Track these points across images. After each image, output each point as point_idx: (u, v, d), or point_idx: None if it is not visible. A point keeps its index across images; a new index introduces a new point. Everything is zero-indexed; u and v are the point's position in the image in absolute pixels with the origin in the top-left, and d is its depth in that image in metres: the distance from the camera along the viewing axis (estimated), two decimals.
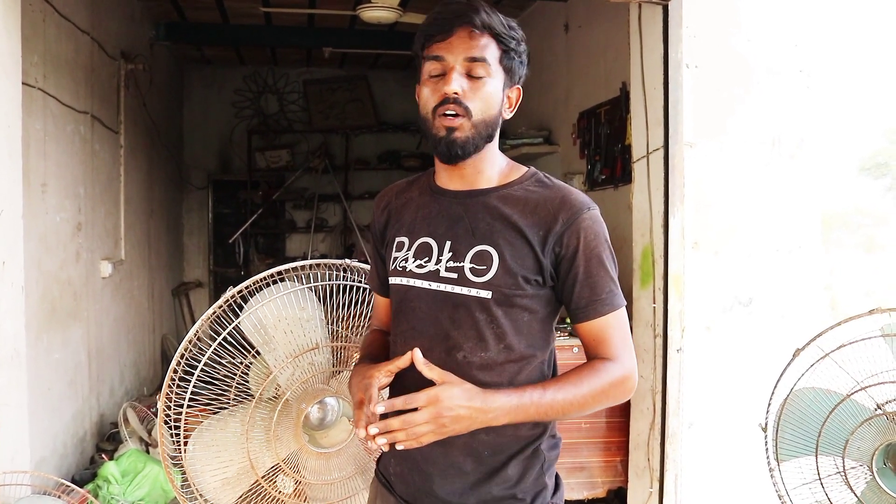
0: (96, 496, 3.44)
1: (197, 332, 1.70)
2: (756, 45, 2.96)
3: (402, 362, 1.47)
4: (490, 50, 1.48)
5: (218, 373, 1.72)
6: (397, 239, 1.62)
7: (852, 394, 1.96)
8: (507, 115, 1.57)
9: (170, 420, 1.74)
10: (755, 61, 2.96)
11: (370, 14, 4.79)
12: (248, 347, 1.71)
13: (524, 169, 1.60)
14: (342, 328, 1.71)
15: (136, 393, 5.34)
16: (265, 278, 1.74)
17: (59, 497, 2.80)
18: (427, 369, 1.41)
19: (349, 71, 7.85)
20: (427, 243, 1.56)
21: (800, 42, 3.01)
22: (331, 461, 1.78)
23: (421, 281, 1.54)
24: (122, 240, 4.97)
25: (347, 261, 1.76)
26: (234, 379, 1.72)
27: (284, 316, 1.67)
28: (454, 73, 1.46)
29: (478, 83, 1.48)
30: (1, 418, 2.74)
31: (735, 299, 2.96)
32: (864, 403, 1.97)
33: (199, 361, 1.70)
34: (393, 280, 1.60)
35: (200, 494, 1.79)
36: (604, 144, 4.46)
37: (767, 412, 2.05)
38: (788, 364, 2.02)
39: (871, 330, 1.98)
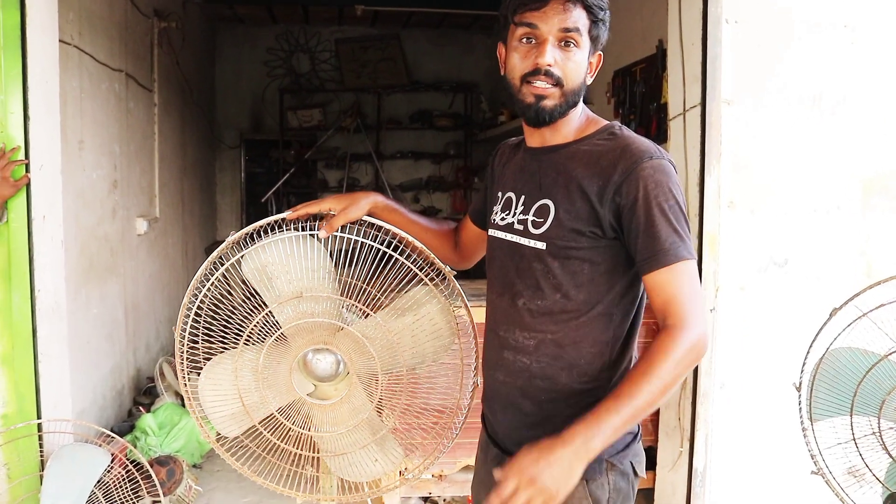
0: (135, 447, 3.53)
1: (207, 273, 1.71)
2: (799, 0, 2.88)
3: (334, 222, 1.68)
4: (581, 20, 1.51)
5: (224, 312, 1.74)
6: (497, 194, 1.72)
7: (890, 354, 1.94)
8: (589, 81, 1.59)
9: (183, 353, 1.79)
10: (797, 16, 2.88)
11: None
12: (253, 290, 1.72)
13: (602, 123, 1.60)
14: (362, 283, 1.71)
15: (172, 349, 5.43)
16: (274, 224, 1.74)
17: (101, 446, 2.87)
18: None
19: (381, 29, 7.79)
20: (510, 197, 1.65)
21: None
22: (333, 413, 1.80)
23: (501, 232, 1.64)
24: (156, 197, 5.03)
25: (367, 217, 1.74)
26: (235, 318, 1.74)
27: (283, 260, 1.69)
28: (548, 45, 1.50)
29: (569, 53, 1.51)
30: (44, 368, 2.82)
31: (770, 259, 2.92)
32: None
33: (212, 301, 1.72)
34: (489, 231, 1.70)
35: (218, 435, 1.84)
36: (639, 103, 4.39)
37: (802, 371, 2.04)
38: (825, 323, 2.00)
39: None
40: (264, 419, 1.83)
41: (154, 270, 5.10)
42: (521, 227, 1.59)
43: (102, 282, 3.99)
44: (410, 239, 1.75)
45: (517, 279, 1.58)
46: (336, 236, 1.73)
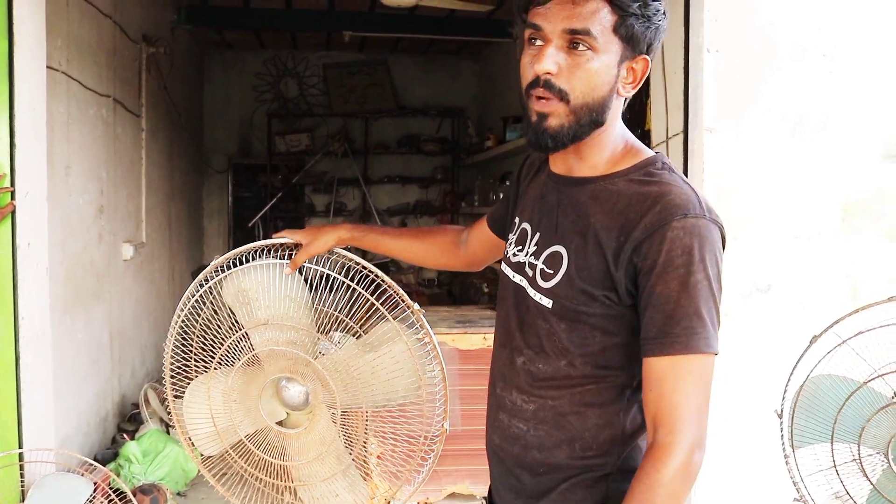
0: (118, 475, 3.50)
1: (191, 296, 1.71)
2: (778, 29, 2.93)
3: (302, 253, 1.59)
4: (598, 18, 1.19)
5: (207, 336, 1.74)
6: (516, 218, 1.47)
7: (869, 381, 1.95)
8: (628, 93, 1.28)
9: (175, 373, 1.78)
10: (777, 46, 2.93)
11: None
12: (232, 315, 1.72)
13: (643, 155, 1.31)
14: (337, 312, 1.69)
15: (157, 374, 5.41)
16: (260, 249, 1.73)
17: (83, 475, 2.85)
18: None
19: (369, 55, 7.85)
20: (525, 230, 1.40)
21: (823, 26, 2.97)
22: (300, 441, 1.79)
23: (511, 271, 1.41)
24: (143, 222, 5.02)
25: (341, 250, 1.68)
26: (211, 341, 1.74)
27: (264, 286, 1.66)
28: (549, 49, 1.20)
29: (579, 59, 1.20)
30: (27, 396, 2.80)
31: (753, 286, 2.94)
32: (881, 391, 1.97)
33: (190, 322, 1.72)
34: (501, 263, 1.48)
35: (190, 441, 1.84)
36: None
37: (783, 399, 2.05)
38: (805, 351, 2.02)
39: (890, 317, 1.97)
40: (236, 444, 1.82)
41: (140, 295, 5.08)
42: (530, 273, 1.34)
43: (88, 307, 3.98)
44: (380, 273, 1.64)
45: (518, 333, 1.35)
46: (307, 268, 1.66)
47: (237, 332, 1.70)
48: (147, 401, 4.49)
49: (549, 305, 1.28)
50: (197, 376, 1.79)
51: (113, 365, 4.47)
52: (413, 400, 1.72)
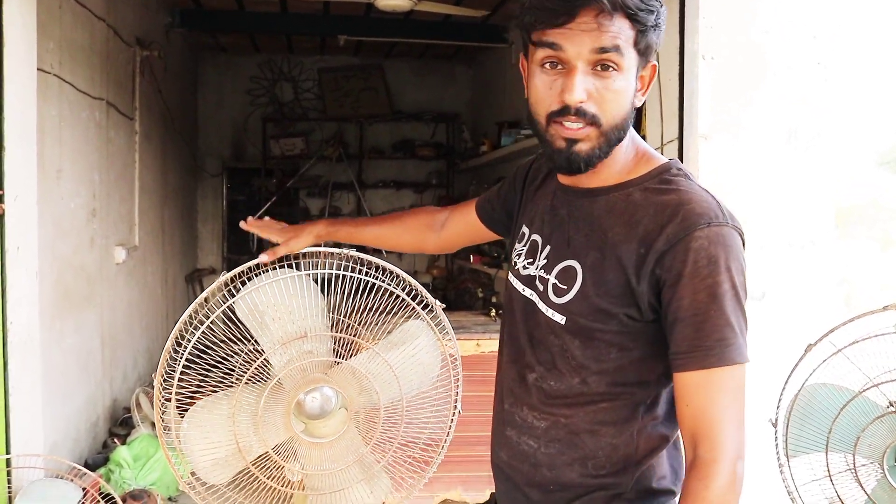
0: (108, 480, 3.48)
1: (193, 315, 1.69)
2: (773, 37, 2.93)
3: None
4: (623, 34, 1.15)
5: (216, 355, 1.72)
6: (522, 227, 1.42)
7: (864, 390, 1.95)
8: (639, 102, 1.24)
9: (168, 397, 1.75)
10: (772, 53, 2.93)
11: (385, 2, 4.77)
12: (246, 332, 1.70)
13: (656, 162, 1.27)
14: (350, 320, 1.69)
15: (149, 378, 5.38)
16: (266, 264, 1.73)
17: (72, 481, 2.83)
18: None
19: (364, 59, 7.84)
20: (536, 242, 1.36)
21: (818, 34, 2.97)
22: (325, 451, 1.78)
23: (520, 284, 1.36)
24: (136, 226, 5.00)
25: (349, 251, 1.71)
26: (228, 361, 1.72)
27: (278, 301, 1.66)
28: (577, 76, 1.15)
29: (607, 81, 1.16)
30: (15, 402, 2.77)
31: (748, 294, 2.93)
32: (875, 400, 1.96)
33: (198, 343, 1.69)
34: (508, 275, 1.43)
35: (193, 474, 1.81)
36: None
37: (778, 408, 2.04)
38: (800, 359, 2.01)
39: (885, 326, 1.97)
40: (253, 461, 1.80)
41: (132, 299, 5.05)
42: (541, 288, 1.30)
43: (79, 312, 3.95)
44: (396, 270, 1.68)
45: (529, 349, 1.32)
46: (320, 273, 1.69)
47: (252, 348, 1.69)
48: (139, 405, 4.46)
49: (563, 322, 1.25)
50: (198, 402, 1.77)
51: (104, 369, 4.44)
52: (433, 386, 1.75)
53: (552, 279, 1.28)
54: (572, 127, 1.17)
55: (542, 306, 1.29)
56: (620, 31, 1.14)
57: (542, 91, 1.19)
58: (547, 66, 1.18)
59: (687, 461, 1.19)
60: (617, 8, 1.13)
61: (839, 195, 3.03)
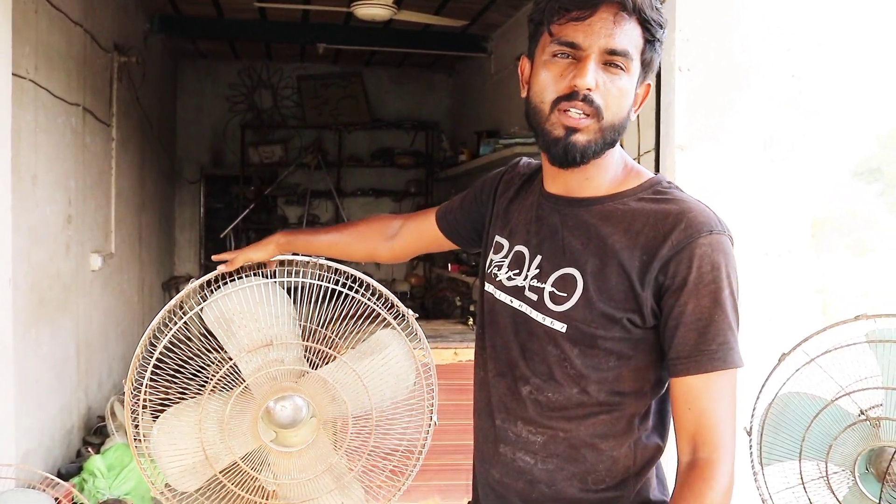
0: (82, 490, 3.43)
1: (163, 322, 1.68)
2: (748, 50, 2.97)
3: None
4: (634, 38, 1.19)
5: (183, 362, 1.70)
6: (497, 238, 1.42)
7: (836, 399, 1.97)
8: (633, 117, 1.27)
9: (137, 404, 1.74)
10: (747, 65, 2.97)
11: (364, 11, 4.79)
12: (213, 339, 1.69)
13: (646, 176, 1.30)
14: (322, 329, 1.69)
15: (124, 387, 5.33)
16: (238, 271, 1.72)
17: (45, 491, 2.79)
18: None
19: (343, 67, 7.84)
20: (521, 253, 1.35)
21: (792, 46, 3.02)
22: (295, 460, 1.77)
23: (506, 296, 1.34)
24: (112, 233, 4.96)
25: (316, 259, 1.70)
26: (190, 367, 1.70)
27: (244, 309, 1.65)
28: (590, 63, 1.17)
29: (615, 78, 1.19)
30: None
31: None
32: (847, 409, 1.98)
33: (168, 351, 1.68)
34: (485, 287, 1.41)
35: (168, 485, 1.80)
36: None
37: (752, 416, 2.06)
38: (774, 369, 2.03)
39: (857, 335, 1.99)
40: (225, 469, 1.78)
41: (108, 307, 5.00)
42: (533, 297, 1.29)
43: (53, 319, 3.91)
44: (368, 280, 1.67)
45: (522, 361, 1.30)
46: (290, 281, 1.69)
47: (219, 359, 1.68)
48: (113, 413, 4.42)
49: (563, 330, 1.24)
50: (168, 409, 1.75)
51: (79, 377, 4.39)
52: (408, 396, 1.74)
53: (549, 287, 1.27)
54: (575, 115, 1.19)
55: (536, 316, 1.28)
56: (633, 35, 1.18)
57: (552, 78, 1.21)
58: (559, 56, 1.20)
59: (682, 464, 1.20)
60: (635, 10, 1.17)
61: (815, 205, 3.07)
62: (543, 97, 1.22)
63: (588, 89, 1.17)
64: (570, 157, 1.21)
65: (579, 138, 1.20)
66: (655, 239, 1.19)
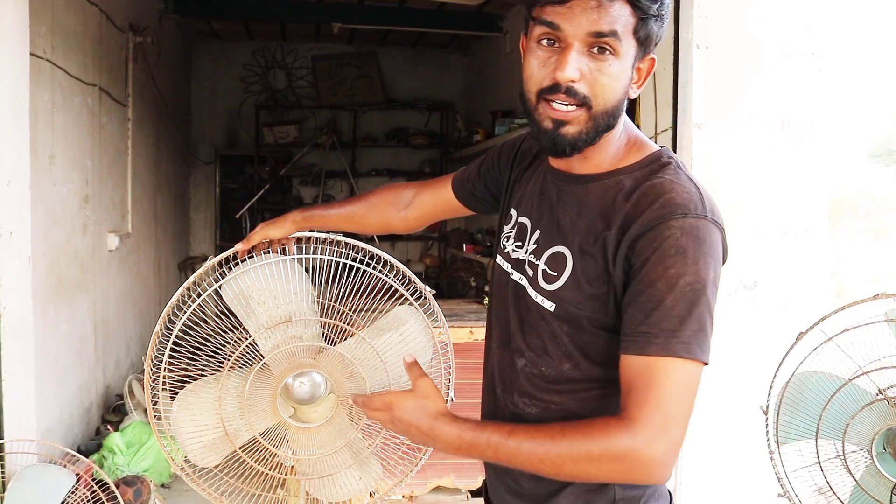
0: (101, 466, 3.48)
1: (181, 300, 1.69)
2: (767, 27, 2.93)
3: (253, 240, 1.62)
4: (622, 19, 1.13)
5: (202, 340, 1.71)
6: (511, 209, 1.40)
7: (854, 378, 1.96)
8: (634, 94, 1.22)
9: (157, 381, 1.75)
10: (766, 43, 2.94)
11: None
12: (232, 316, 1.70)
13: (648, 150, 1.25)
14: (340, 305, 1.69)
15: (142, 366, 5.37)
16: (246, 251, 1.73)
17: (65, 466, 2.83)
18: (409, 371, 1.30)
19: (358, 47, 7.81)
20: (524, 225, 1.34)
21: (812, 24, 2.98)
22: (314, 436, 1.78)
23: (510, 266, 1.35)
24: (128, 213, 4.99)
25: (334, 235, 1.70)
26: (211, 345, 1.71)
27: (263, 286, 1.65)
28: (571, 54, 1.13)
29: (601, 64, 1.14)
30: (8, 387, 2.77)
31: (740, 283, 2.95)
32: (865, 388, 1.97)
33: (187, 329, 1.69)
34: (496, 256, 1.40)
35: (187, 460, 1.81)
36: None
37: (769, 395, 2.06)
38: (791, 347, 2.02)
39: (875, 315, 1.98)
40: (244, 445, 1.80)
41: (125, 286, 5.04)
42: (530, 273, 1.29)
43: (72, 298, 3.95)
44: (386, 256, 1.67)
45: (518, 333, 1.31)
46: (307, 257, 1.69)
47: (238, 337, 1.68)
48: (132, 392, 4.46)
49: (552, 309, 1.23)
50: (188, 385, 1.77)
51: (97, 356, 4.44)
52: (428, 372, 1.74)
53: (542, 265, 1.26)
54: (561, 108, 1.15)
55: (531, 292, 1.28)
56: (620, 16, 1.12)
57: (536, 67, 1.17)
58: (544, 42, 1.16)
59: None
60: None
61: (832, 186, 3.04)
62: (529, 86, 1.19)
63: (571, 81, 1.14)
64: (559, 149, 1.19)
65: (569, 130, 1.17)
66: (631, 217, 1.15)
